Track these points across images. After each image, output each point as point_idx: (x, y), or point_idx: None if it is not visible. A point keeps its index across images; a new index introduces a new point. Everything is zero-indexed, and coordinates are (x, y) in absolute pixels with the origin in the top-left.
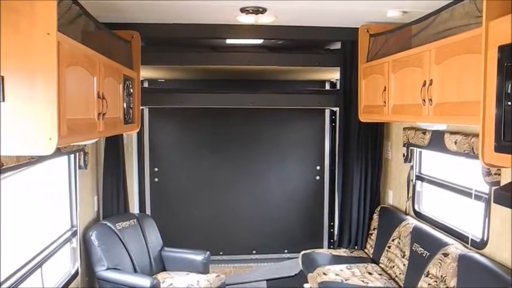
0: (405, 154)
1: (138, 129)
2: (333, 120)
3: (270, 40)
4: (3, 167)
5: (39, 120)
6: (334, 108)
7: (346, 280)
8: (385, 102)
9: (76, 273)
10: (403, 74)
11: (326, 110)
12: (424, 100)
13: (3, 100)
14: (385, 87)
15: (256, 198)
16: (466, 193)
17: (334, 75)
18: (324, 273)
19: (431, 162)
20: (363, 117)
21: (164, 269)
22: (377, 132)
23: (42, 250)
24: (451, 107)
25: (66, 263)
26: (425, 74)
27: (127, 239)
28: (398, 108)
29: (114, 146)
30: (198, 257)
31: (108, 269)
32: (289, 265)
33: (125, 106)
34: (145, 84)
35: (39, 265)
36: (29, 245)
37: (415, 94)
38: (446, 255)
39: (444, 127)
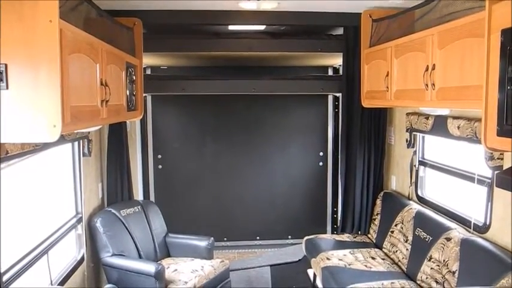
0: (408, 139)
1: (141, 117)
2: (336, 106)
3: (273, 26)
4: (8, 155)
5: (43, 108)
6: (337, 94)
7: (349, 265)
8: (387, 87)
9: (82, 260)
10: (405, 59)
11: (329, 96)
12: (426, 85)
13: (7, 88)
14: (387, 72)
15: (260, 184)
16: (468, 178)
17: (336, 61)
18: (327, 258)
19: (434, 147)
20: (366, 103)
21: (169, 255)
22: (380, 118)
23: (48, 237)
24: (453, 91)
25: (71, 249)
26: (428, 58)
27: (131, 225)
28: (401, 93)
29: (117, 133)
30: (202, 242)
31: (113, 255)
32: (293, 251)
33: (127, 93)
34: (148, 72)
35: (45, 251)
36: (35, 232)
37: (417, 79)
38: (448, 239)
39: (447, 112)
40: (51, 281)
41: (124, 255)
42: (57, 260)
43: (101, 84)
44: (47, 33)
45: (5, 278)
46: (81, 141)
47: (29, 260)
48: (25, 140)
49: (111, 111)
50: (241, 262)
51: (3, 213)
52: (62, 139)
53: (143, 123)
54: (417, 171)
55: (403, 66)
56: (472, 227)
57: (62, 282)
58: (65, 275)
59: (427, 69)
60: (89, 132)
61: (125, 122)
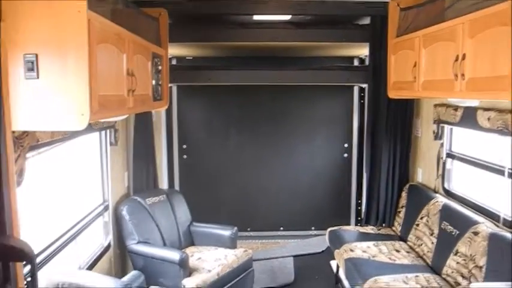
0: (435, 131)
1: (166, 106)
2: (361, 97)
3: (298, 16)
4: (39, 143)
5: (71, 97)
6: (363, 85)
7: (373, 257)
8: (415, 77)
9: (108, 246)
10: (434, 48)
11: (355, 87)
12: (456, 75)
13: (38, 77)
14: (415, 62)
15: (284, 175)
16: (498, 171)
17: (363, 51)
18: (351, 250)
19: (462, 139)
20: (392, 94)
21: (193, 244)
22: (406, 109)
23: (77, 223)
24: (484, 81)
25: (99, 236)
26: (458, 48)
27: (157, 214)
28: (428, 84)
29: (143, 123)
30: (226, 232)
31: (138, 242)
32: (316, 242)
33: (153, 83)
34: (174, 62)
35: (74, 237)
36: (64, 218)
37: (446, 69)
38: (476, 233)
39: (477, 103)
40: (80, 266)
41: (149, 243)
42: (85, 246)
43: (128, 74)
44: (75, 23)
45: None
46: (108, 130)
47: (59, 245)
48: (55, 128)
49: (137, 100)
50: (264, 252)
51: (34, 199)
52: (90, 128)
53: (169, 113)
54: (444, 163)
55: (432, 56)
56: (501, 222)
57: (90, 267)
58: (92, 260)
59: (456, 59)
60: (115, 122)
61: (151, 112)
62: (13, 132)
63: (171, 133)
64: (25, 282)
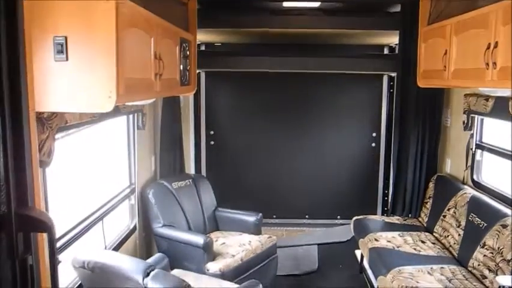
0: (465, 122)
1: (194, 92)
2: (390, 87)
3: (328, 3)
4: (67, 124)
5: (99, 79)
6: (392, 74)
7: (397, 247)
8: (445, 66)
9: (134, 229)
10: (466, 36)
11: (384, 76)
12: (487, 64)
13: (67, 59)
14: (446, 50)
15: (311, 163)
16: None
17: (393, 39)
18: (376, 239)
19: (493, 130)
20: (422, 83)
21: (217, 229)
22: (436, 99)
23: (103, 204)
24: None
25: (125, 218)
26: (490, 36)
27: (182, 198)
28: (459, 73)
29: (171, 108)
30: (250, 218)
31: (164, 226)
32: (342, 231)
33: (181, 68)
34: (202, 48)
35: (101, 218)
36: (91, 199)
37: (478, 58)
38: (504, 226)
39: (509, 93)
40: (106, 246)
41: (174, 227)
42: (112, 227)
43: (155, 58)
44: (104, 7)
45: (63, 240)
46: (135, 114)
47: (86, 225)
48: (82, 110)
49: (165, 85)
50: (289, 239)
51: (63, 180)
52: (118, 111)
53: (196, 99)
54: (474, 154)
55: (463, 45)
56: None
57: (115, 249)
58: (118, 242)
59: (488, 47)
60: (143, 106)
61: (178, 97)
62: (42, 113)
63: (199, 119)
64: None
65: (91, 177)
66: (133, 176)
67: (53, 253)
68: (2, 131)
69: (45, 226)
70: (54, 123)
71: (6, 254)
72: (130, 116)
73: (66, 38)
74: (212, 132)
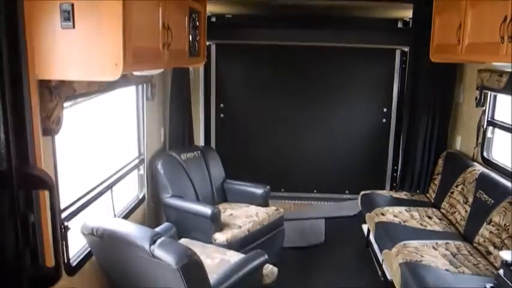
0: (478, 98)
1: (203, 63)
2: (403, 62)
3: None
4: (76, 93)
5: (105, 47)
6: (406, 49)
7: (404, 222)
8: (459, 40)
9: (143, 199)
10: (481, 9)
11: (397, 51)
12: (502, 37)
13: (74, 27)
14: (460, 24)
15: (320, 137)
16: None
17: (407, 13)
18: (382, 214)
19: (506, 107)
20: (435, 57)
21: (225, 200)
22: (449, 75)
23: (113, 174)
24: None
25: (134, 188)
26: (507, 8)
27: (191, 169)
28: (473, 47)
29: (180, 80)
30: (258, 190)
31: (172, 196)
32: (349, 205)
33: (190, 39)
34: (213, 20)
35: (110, 187)
36: (100, 168)
37: (493, 31)
38: None
39: None
40: (115, 215)
41: (183, 197)
42: (121, 197)
43: (163, 27)
44: None
45: (73, 208)
46: (144, 85)
47: (95, 193)
48: (89, 78)
49: (173, 55)
50: (296, 213)
51: (71, 149)
52: (126, 81)
53: (207, 71)
54: (485, 131)
55: (478, 18)
56: None
57: (124, 218)
58: (127, 211)
59: (504, 20)
60: (152, 77)
61: (188, 68)
62: (50, 81)
63: (209, 91)
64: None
65: (100, 147)
66: (142, 147)
67: (54, 211)
68: (1, 93)
69: (46, 185)
70: (62, 91)
71: (8, 210)
72: (140, 87)
73: (72, 5)
74: (222, 105)
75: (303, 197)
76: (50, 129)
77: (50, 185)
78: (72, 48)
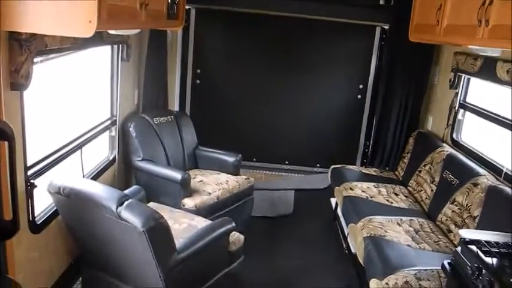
0: (452, 80)
1: (181, 27)
2: (383, 40)
3: None
4: (47, 48)
5: (80, 3)
6: (386, 26)
7: (371, 197)
8: (438, 21)
9: (113, 160)
10: None
11: (377, 28)
12: (480, 21)
13: None
14: (440, 4)
15: (295, 110)
16: (508, 125)
17: None
18: (351, 188)
19: (478, 91)
20: (413, 37)
21: (197, 167)
22: (427, 55)
23: (83, 134)
24: (509, 30)
25: (104, 150)
26: None
27: (163, 133)
28: (451, 29)
29: (157, 42)
30: (230, 158)
31: (143, 159)
32: (320, 179)
33: (169, 0)
34: None
35: (79, 147)
36: (70, 127)
37: (471, 14)
38: (475, 185)
39: (498, 53)
40: (84, 175)
41: (153, 161)
42: (91, 158)
43: None
44: None
45: (40, 165)
46: (120, 45)
47: (63, 152)
48: (61, 33)
49: (150, 15)
50: (266, 183)
51: (41, 106)
52: (100, 40)
53: (185, 36)
54: (456, 113)
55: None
56: (502, 176)
57: (93, 179)
58: (96, 172)
59: (483, 4)
60: (128, 37)
61: (166, 31)
62: (20, 34)
63: (186, 56)
64: None
65: (72, 106)
66: (115, 108)
67: (13, 164)
68: None
69: (5, 135)
70: (33, 45)
71: None
72: (115, 47)
73: None
74: (199, 71)
75: (274, 168)
76: (19, 83)
77: (9, 136)
78: (45, 1)
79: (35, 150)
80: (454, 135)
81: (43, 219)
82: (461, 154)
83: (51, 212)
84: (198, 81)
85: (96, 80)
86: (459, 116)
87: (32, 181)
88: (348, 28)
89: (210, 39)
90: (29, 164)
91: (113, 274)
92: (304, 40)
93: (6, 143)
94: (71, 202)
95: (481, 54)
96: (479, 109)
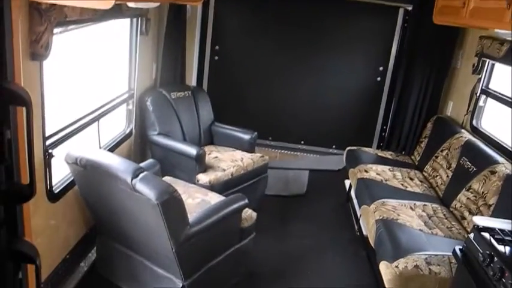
0: (475, 65)
1: (201, 2)
2: (405, 21)
3: None
4: (67, 19)
5: None
6: (409, 8)
7: (385, 180)
8: (464, 3)
9: (130, 134)
10: None
11: (400, 9)
12: (509, 4)
13: None
14: None
15: (313, 90)
16: None
17: None
18: (365, 171)
19: (502, 77)
20: (437, 19)
21: (212, 143)
22: (450, 39)
23: (101, 106)
24: None
25: (122, 123)
26: None
27: (180, 108)
28: (477, 12)
29: (176, 16)
30: (246, 136)
31: (159, 134)
32: (335, 160)
33: None
34: None
35: (97, 119)
36: (89, 100)
37: None
38: (493, 173)
39: None
40: (100, 147)
41: (169, 136)
42: (108, 130)
43: None
44: None
45: (58, 136)
46: (139, 18)
47: (81, 124)
48: (81, 4)
49: None
50: (281, 162)
51: (60, 77)
52: (120, 12)
53: (205, 11)
54: (477, 99)
55: None
56: None
57: (110, 151)
58: (113, 144)
59: None
60: (147, 11)
61: (185, 6)
62: (40, 3)
63: (205, 32)
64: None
65: (90, 78)
66: (132, 82)
67: (30, 129)
68: None
69: (22, 101)
70: (53, 15)
71: None
72: (134, 20)
73: None
74: (217, 48)
75: (290, 147)
76: (38, 54)
77: (26, 102)
78: None
79: (53, 120)
80: (474, 122)
81: (60, 188)
82: (480, 141)
83: (68, 182)
84: (216, 58)
85: (115, 53)
86: (480, 103)
87: (50, 151)
88: (370, 8)
89: (229, 15)
90: (47, 134)
91: (126, 245)
92: (325, 19)
93: (24, 109)
94: (87, 173)
95: (508, 38)
96: (502, 96)
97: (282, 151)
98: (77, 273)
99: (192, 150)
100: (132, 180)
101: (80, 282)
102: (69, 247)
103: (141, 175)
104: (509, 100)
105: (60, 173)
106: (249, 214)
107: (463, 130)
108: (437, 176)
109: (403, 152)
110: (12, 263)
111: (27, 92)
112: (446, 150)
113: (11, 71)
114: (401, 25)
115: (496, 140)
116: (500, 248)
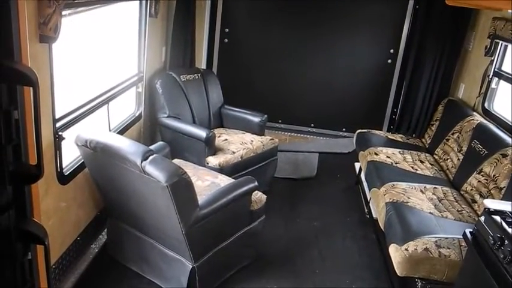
0: (488, 46)
1: None
2: (417, 2)
3: None
4: (76, 1)
5: None
6: None
7: (396, 163)
8: None
9: (139, 117)
10: None
11: None
12: None
13: None
14: None
15: (323, 73)
16: None
17: None
18: (376, 153)
19: None
20: (450, 1)
21: (222, 126)
22: (463, 20)
23: (110, 89)
24: None
25: (131, 106)
26: None
27: (190, 91)
28: None
29: None
30: (255, 118)
31: (169, 116)
32: (345, 143)
33: None
34: None
35: (107, 101)
36: (98, 82)
37: None
38: (504, 156)
39: None
40: (110, 130)
41: (179, 118)
42: (117, 113)
43: None
44: None
45: (68, 118)
46: (148, 0)
47: (91, 106)
48: None
49: None
50: (291, 145)
51: (70, 59)
52: None
53: None
54: (490, 82)
55: None
56: None
57: (120, 133)
58: (123, 127)
59: None
60: None
61: None
62: None
63: (215, 14)
64: None
65: (99, 61)
66: (142, 64)
67: (37, 109)
68: None
69: (30, 81)
70: None
71: None
72: (143, 2)
73: None
74: (227, 30)
75: (300, 130)
76: (47, 36)
77: (33, 82)
78: None
79: (63, 103)
80: (486, 105)
81: (70, 171)
82: (492, 124)
83: (78, 164)
84: (226, 40)
85: (124, 36)
86: (493, 85)
87: (60, 133)
88: None
89: None
90: (57, 116)
91: (136, 227)
92: (335, 1)
93: (31, 89)
94: (97, 155)
95: None
96: None
97: (292, 134)
98: (87, 254)
99: (202, 133)
100: (141, 162)
101: (90, 263)
102: (79, 229)
103: (150, 157)
104: None
105: (71, 156)
106: (258, 197)
107: (474, 113)
108: (448, 159)
109: (414, 135)
110: (21, 243)
111: (34, 73)
112: (458, 133)
113: (18, 52)
114: (413, 7)
115: (508, 122)
116: (511, 230)
